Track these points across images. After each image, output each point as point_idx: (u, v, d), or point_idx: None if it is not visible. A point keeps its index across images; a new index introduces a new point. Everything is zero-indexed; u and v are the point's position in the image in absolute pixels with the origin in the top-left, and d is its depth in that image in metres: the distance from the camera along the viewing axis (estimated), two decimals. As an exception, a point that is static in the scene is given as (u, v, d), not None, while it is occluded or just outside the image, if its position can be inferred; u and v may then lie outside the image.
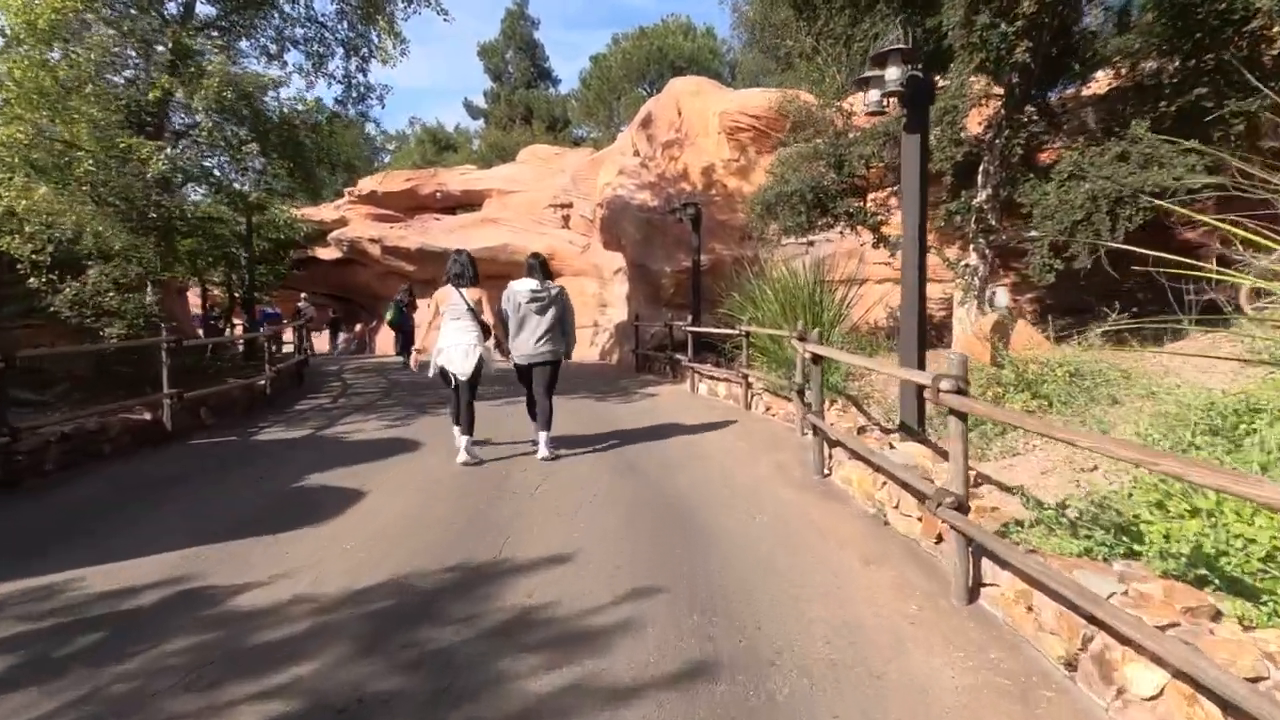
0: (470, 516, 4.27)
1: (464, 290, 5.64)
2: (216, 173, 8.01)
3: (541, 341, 5.80)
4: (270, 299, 18.76)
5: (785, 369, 8.18)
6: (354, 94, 10.58)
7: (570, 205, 18.06)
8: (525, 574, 3.38)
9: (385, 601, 3.10)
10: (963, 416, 2.95)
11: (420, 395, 9.78)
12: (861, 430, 5.37)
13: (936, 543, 3.57)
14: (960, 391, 2.92)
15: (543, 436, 5.83)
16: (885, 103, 4.89)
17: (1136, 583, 2.33)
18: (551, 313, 5.82)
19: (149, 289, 8.27)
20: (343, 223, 22.35)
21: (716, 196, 14.17)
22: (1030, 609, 2.70)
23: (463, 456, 5.59)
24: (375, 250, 21.11)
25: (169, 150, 7.27)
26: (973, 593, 3.03)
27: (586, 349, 16.53)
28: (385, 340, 18.69)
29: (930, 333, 11.11)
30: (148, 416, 6.52)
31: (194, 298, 22.66)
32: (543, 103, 32.93)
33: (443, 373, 5.72)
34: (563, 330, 5.99)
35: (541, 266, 5.97)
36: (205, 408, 7.51)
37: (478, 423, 5.95)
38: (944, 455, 4.51)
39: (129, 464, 5.76)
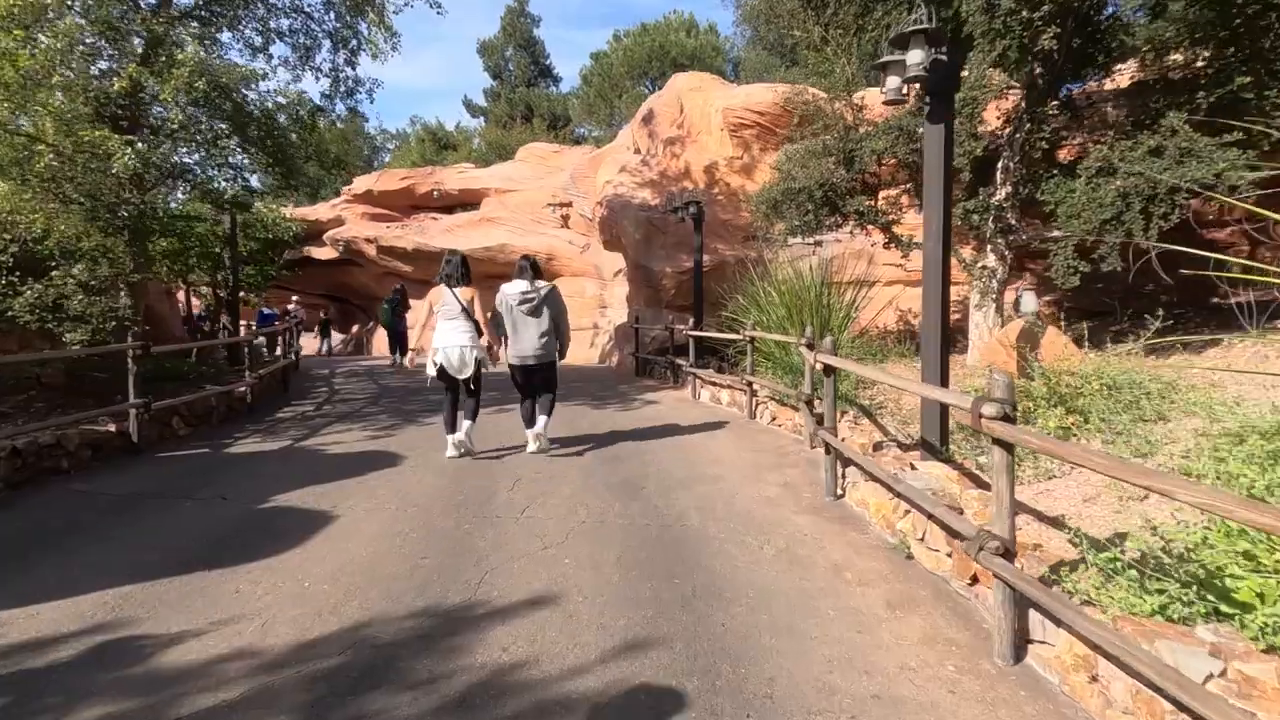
0: (447, 545, 3.85)
1: (457, 290, 5.72)
2: (196, 169, 7.57)
3: (535, 343, 5.83)
4: (262, 300, 18.38)
5: (792, 376, 7.76)
6: (342, 88, 10.17)
7: (569, 204, 17.64)
8: (501, 621, 2.96)
9: (338, 658, 2.68)
10: (1009, 448, 2.52)
11: (408, 403, 9.38)
12: (878, 447, 4.94)
13: (970, 584, 3.14)
14: (1007, 418, 2.49)
15: (531, 430, 6.01)
16: (905, 90, 4.46)
17: (1237, 661, 1.90)
18: (544, 313, 5.87)
19: (122, 291, 7.87)
20: (339, 222, 21.96)
21: (719, 195, 13.74)
22: (1095, 679, 2.28)
23: (450, 452, 5.80)
24: (371, 250, 20.72)
25: (140, 145, 6.86)
26: (1018, 650, 2.60)
27: (586, 351, 16.12)
28: (382, 341, 18.28)
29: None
30: (112, 428, 6.11)
31: (195, 299, 22.27)
32: (543, 101, 32.52)
33: (441, 372, 5.76)
34: (556, 331, 6.01)
35: (532, 268, 6.00)
36: (178, 417, 7.10)
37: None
38: (973, 479, 4.09)
39: (88, 481, 5.35)
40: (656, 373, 12.22)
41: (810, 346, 6.10)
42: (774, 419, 7.39)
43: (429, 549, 3.80)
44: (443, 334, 5.70)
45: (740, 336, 8.12)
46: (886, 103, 4.56)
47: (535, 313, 5.80)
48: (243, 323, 18.81)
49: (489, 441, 6.54)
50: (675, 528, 4.11)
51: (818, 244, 9.59)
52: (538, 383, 6.03)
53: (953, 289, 11.36)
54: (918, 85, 4.37)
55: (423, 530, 4.13)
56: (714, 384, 9.15)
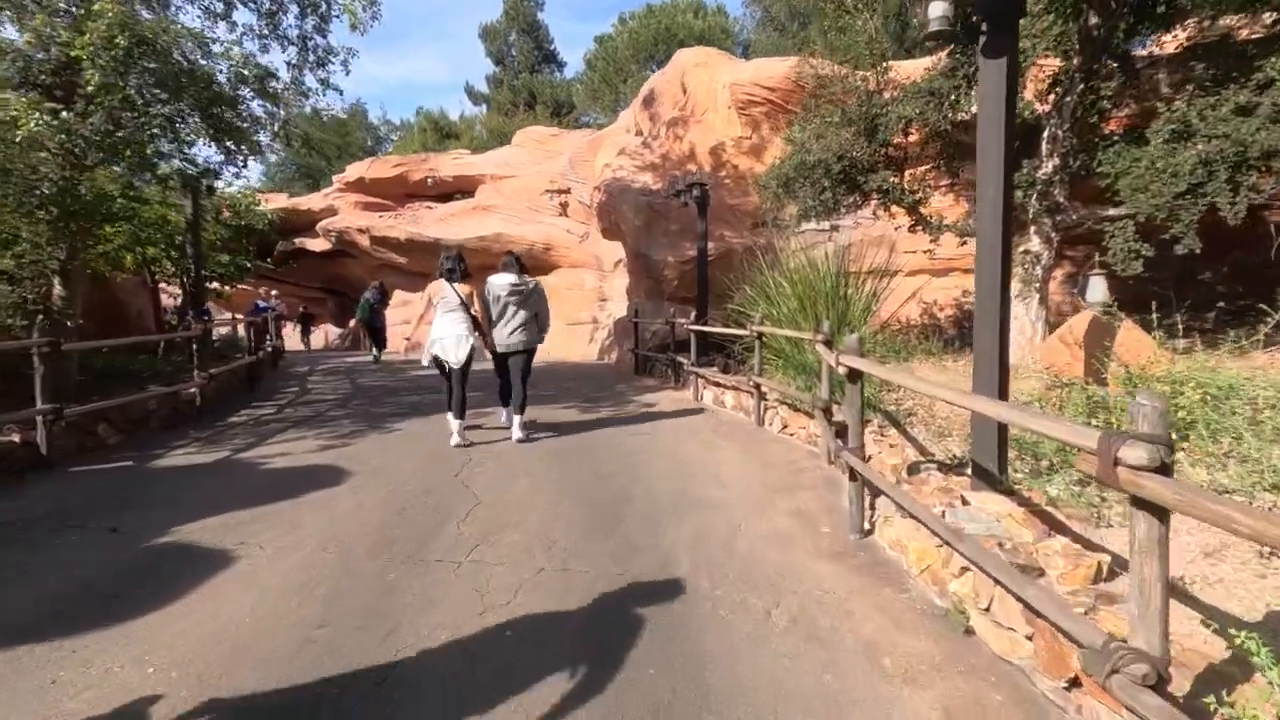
0: (359, 605, 2.96)
1: (455, 285, 6.05)
2: (131, 141, 6.66)
3: (518, 332, 6.28)
4: (265, 293, 17.51)
5: (806, 377, 6.82)
6: (311, 57, 9.27)
7: (568, 191, 16.70)
8: (395, 744, 2.06)
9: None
10: (1162, 514, 1.59)
11: (379, 404, 8.51)
12: (913, 470, 4.01)
13: (1068, 688, 2.21)
14: (1164, 469, 1.55)
15: (516, 420, 6.30)
16: (954, 21, 3.50)
17: None
18: (529, 305, 6.33)
19: (55, 281, 7.03)
20: (331, 212, 21.15)
21: (726, 179, 12.78)
22: None
23: (455, 440, 6.03)
24: (364, 241, 19.90)
25: (65, 115, 5.99)
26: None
27: (584, 347, 15.22)
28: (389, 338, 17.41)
29: (968, 331, 9.68)
30: (16, 438, 5.27)
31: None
32: (546, 87, 31.55)
33: (436, 361, 6.10)
34: (537, 322, 6.51)
35: (518, 262, 6.54)
36: (105, 423, 6.27)
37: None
38: (1045, 519, 3.14)
39: (-29, 503, 4.51)
40: (657, 371, 11.30)
41: (828, 343, 5.17)
42: (784, 426, 6.46)
43: (333, 612, 2.91)
44: (441, 326, 6.02)
45: (746, 332, 7.18)
46: (928, 37, 3.60)
47: (524, 304, 6.27)
48: (224, 315, 18.08)
49: (446, 465, 5.65)
50: (660, 582, 3.20)
51: (834, 229, 8.62)
52: (519, 367, 6.41)
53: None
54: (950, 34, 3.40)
55: (336, 580, 3.24)
56: (718, 385, 8.22)
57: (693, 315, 8.92)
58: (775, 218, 8.61)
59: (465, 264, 6.23)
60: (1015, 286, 7.03)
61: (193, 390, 7.49)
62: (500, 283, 6.21)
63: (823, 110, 7.42)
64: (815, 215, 7.73)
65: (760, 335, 6.93)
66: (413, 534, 3.83)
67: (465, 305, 6.05)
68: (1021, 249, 6.82)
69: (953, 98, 6.44)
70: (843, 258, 8.77)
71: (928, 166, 7.49)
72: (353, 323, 25.19)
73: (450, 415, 6.11)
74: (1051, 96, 6.36)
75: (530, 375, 6.55)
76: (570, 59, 67.54)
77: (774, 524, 3.96)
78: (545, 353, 15.58)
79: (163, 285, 13.62)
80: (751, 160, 12.85)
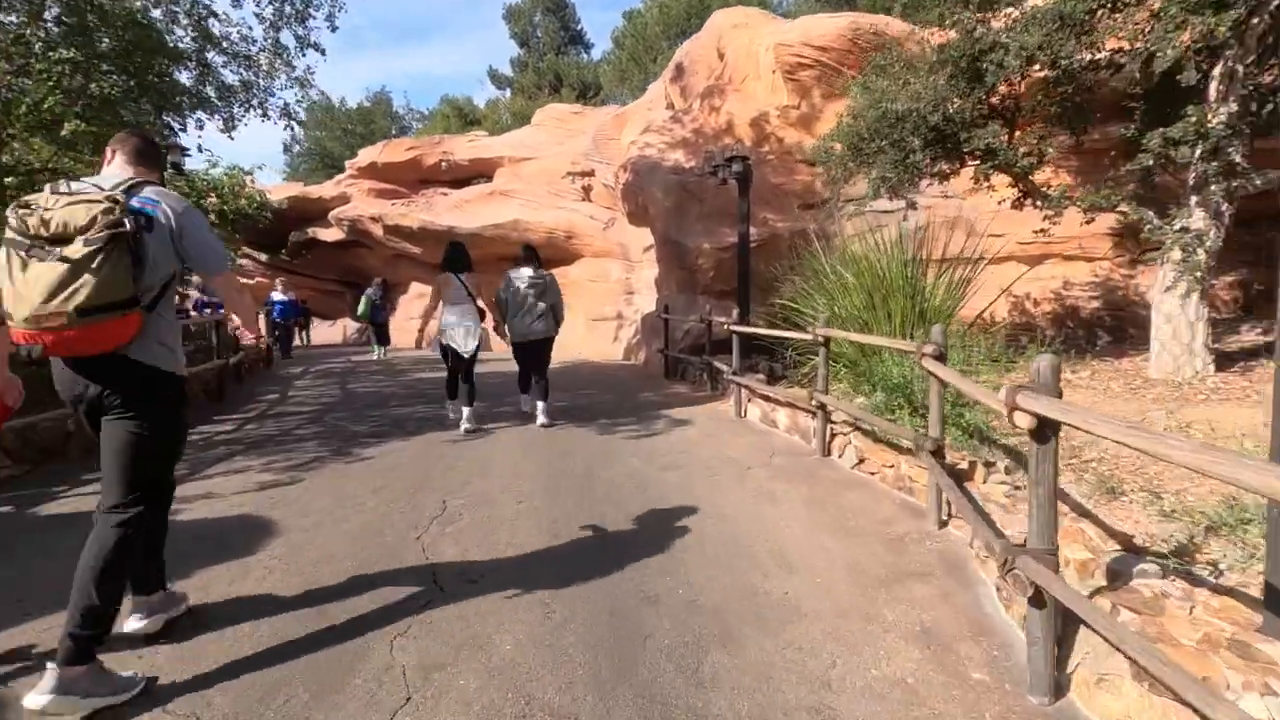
0: None
1: (461, 276, 6.26)
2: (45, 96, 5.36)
3: (538, 322, 6.49)
4: (283, 286, 16.32)
5: (887, 394, 5.26)
6: (289, 9, 7.95)
7: (591, 173, 15.22)
8: None
9: None
10: None
11: (361, 418, 7.15)
12: (1118, 575, 2.45)
13: None
14: None
15: (540, 406, 6.54)
16: None
17: None
18: (546, 297, 6.52)
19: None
20: (344, 199, 20.02)
21: (769, 154, 11.16)
22: None
23: (466, 425, 6.21)
24: (377, 230, 18.70)
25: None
26: None
27: (608, 346, 13.77)
28: (404, 332, 16.15)
29: (1080, 333, 7.92)
30: None
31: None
32: (573, 69, 30.07)
33: (444, 350, 6.33)
34: (553, 313, 6.68)
35: (535, 256, 6.81)
36: (3, 450, 5.00)
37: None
38: None
39: None
40: (690, 375, 9.80)
41: (940, 358, 3.62)
42: (860, 461, 4.91)
43: None
44: (450, 317, 6.23)
45: (809, 336, 5.63)
46: None
47: (541, 296, 6.48)
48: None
49: (425, 503, 4.23)
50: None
51: (910, 206, 6.99)
52: (538, 356, 6.65)
53: (1086, 266, 8.53)
54: None
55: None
56: (767, 399, 6.69)
57: (735, 314, 7.37)
58: (838, 191, 6.99)
59: (469, 257, 6.52)
60: (1164, 276, 5.34)
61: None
62: (520, 275, 6.49)
63: (915, 47, 5.71)
64: (889, 189, 6.12)
65: (827, 341, 5.37)
66: (314, 679, 2.40)
67: (472, 296, 6.29)
68: (1178, 225, 5.13)
69: (1091, 22, 4.76)
70: (914, 243, 7.19)
71: (1040, 124, 5.78)
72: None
73: (450, 405, 6.64)
74: (1231, 16, 4.63)
75: (549, 364, 6.80)
76: (598, 40, 66.02)
77: (890, 664, 2.44)
78: (565, 351, 14.18)
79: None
80: (800, 132, 11.21)
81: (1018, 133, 5.41)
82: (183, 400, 2.46)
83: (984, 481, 3.81)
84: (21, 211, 2.08)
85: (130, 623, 2.52)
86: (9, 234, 2.08)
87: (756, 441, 5.98)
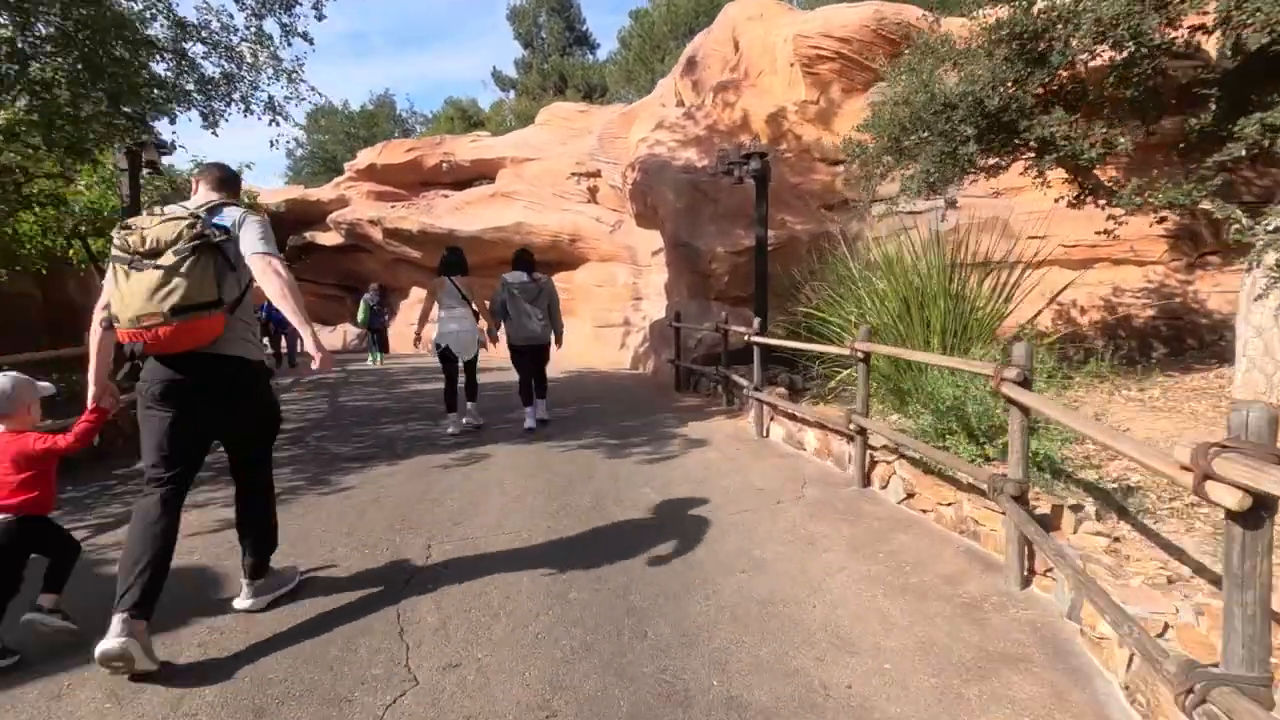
0: None
1: (455, 280, 6.34)
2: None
3: (535, 327, 6.45)
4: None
5: (937, 417, 4.61)
6: (273, -2, 7.39)
7: (597, 174, 14.62)
8: None
9: None
10: None
11: (347, 437, 6.53)
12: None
13: None
14: None
15: (540, 405, 6.71)
16: None
17: None
18: (541, 301, 6.47)
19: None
20: (343, 202, 19.50)
21: (787, 152, 10.54)
22: None
23: (466, 420, 6.50)
24: (377, 234, 18.15)
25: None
26: None
27: (615, 353, 13.15)
28: (403, 339, 15.55)
29: (1132, 343, 7.24)
30: None
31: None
32: (578, 70, 29.53)
33: (442, 355, 6.35)
34: (551, 317, 6.62)
35: (530, 260, 6.69)
36: None
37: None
38: None
39: None
40: (703, 387, 9.17)
41: (1025, 383, 2.98)
42: (909, 496, 4.27)
43: None
44: (446, 320, 6.28)
45: (845, 350, 4.98)
46: None
47: (536, 301, 6.44)
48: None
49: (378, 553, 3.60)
50: None
51: (950, 205, 6.35)
52: (535, 361, 6.63)
53: (1138, 271, 7.82)
54: None
55: None
56: (793, 418, 6.05)
57: (756, 323, 6.73)
58: (866, 195, 6.35)
59: (465, 260, 6.61)
60: (1258, 283, 4.68)
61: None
62: (514, 280, 6.46)
63: (971, 25, 5.00)
64: (930, 186, 5.49)
65: (867, 356, 4.72)
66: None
67: (467, 300, 6.34)
68: (1271, 225, 4.47)
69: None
70: (954, 246, 6.57)
71: (1105, 113, 5.12)
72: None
73: (449, 418, 6.56)
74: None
75: (547, 366, 6.87)
76: (604, 40, 65.58)
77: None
78: (570, 360, 13.56)
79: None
80: (818, 129, 10.59)
81: (1083, 121, 4.77)
82: (268, 383, 2.89)
83: (1074, 531, 3.17)
84: (124, 232, 2.46)
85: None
86: (115, 251, 2.44)
87: (783, 467, 5.34)
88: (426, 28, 79.92)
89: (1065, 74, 4.63)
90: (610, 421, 7.23)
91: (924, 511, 4.11)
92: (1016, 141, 4.79)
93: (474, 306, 6.42)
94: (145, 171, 8.10)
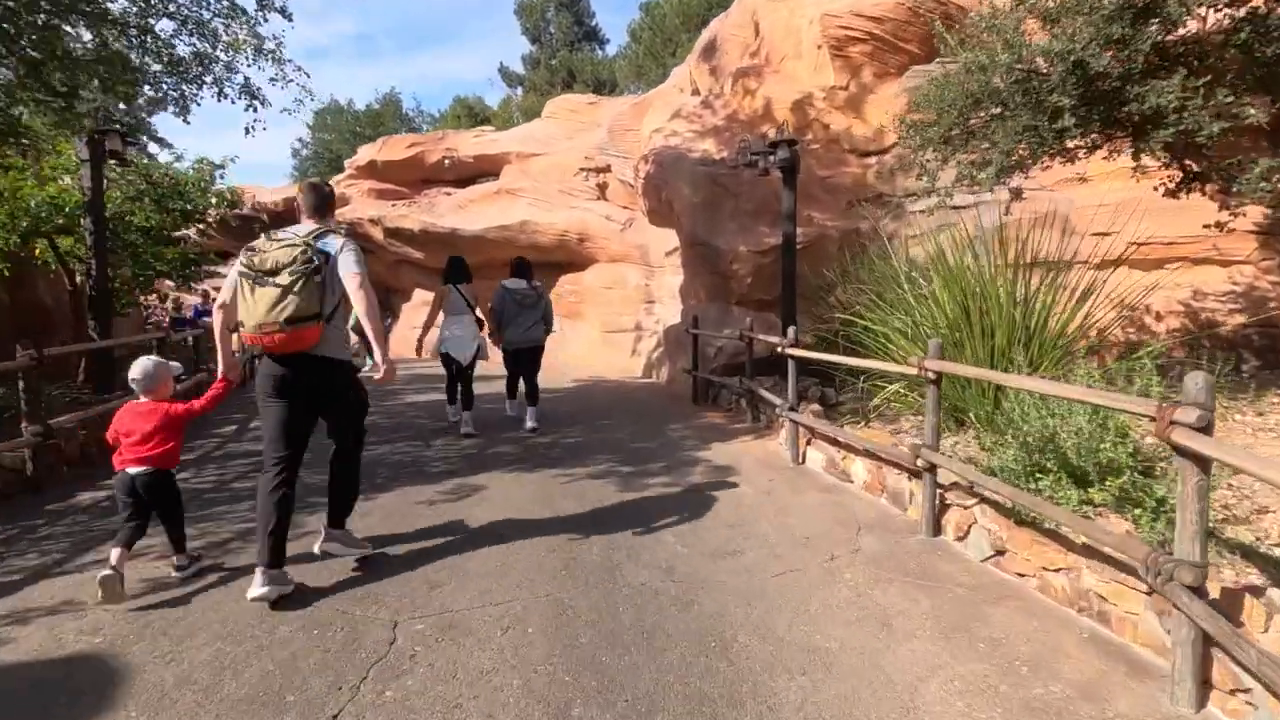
0: None
1: (460, 288, 6.68)
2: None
3: (528, 331, 6.77)
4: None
5: (1025, 450, 3.75)
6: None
7: (607, 168, 13.81)
8: None
9: None
10: None
11: (322, 466, 5.71)
12: None
13: None
14: None
15: (530, 412, 6.83)
16: None
17: None
18: (535, 308, 6.80)
19: None
20: (343, 201, 18.75)
21: (813, 143, 9.69)
22: None
23: (466, 429, 6.57)
24: (377, 234, 17.42)
25: None
26: None
27: (626, 360, 12.34)
28: (400, 342, 14.82)
29: (1218, 354, 6.34)
30: None
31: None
32: (587, 65, 28.74)
33: (445, 359, 6.67)
34: (544, 321, 6.92)
35: (528, 268, 7.02)
36: None
37: None
38: None
39: None
40: (724, 401, 8.34)
41: (1206, 428, 2.14)
42: (1000, 552, 3.42)
43: None
44: (450, 326, 6.61)
45: (909, 369, 4.13)
46: None
47: (534, 306, 6.79)
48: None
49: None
50: None
51: (1015, 196, 5.50)
52: (529, 363, 6.91)
53: (1251, 268, 6.86)
54: None
55: None
56: (835, 443, 5.20)
57: (790, 333, 5.87)
58: (925, 174, 5.48)
59: (468, 269, 6.91)
60: None
61: (21, 453, 4.85)
62: (513, 287, 6.75)
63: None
64: (1004, 172, 4.63)
65: (939, 377, 3.87)
66: None
67: (471, 307, 6.64)
68: None
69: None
70: (1010, 244, 5.76)
71: (1230, 79, 4.21)
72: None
73: (450, 408, 7.08)
74: None
75: (539, 370, 7.04)
76: (613, 36, 64.71)
77: None
78: (579, 368, 12.77)
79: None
80: (848, 117, 9.73)
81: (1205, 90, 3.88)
82: (354, 378, 3.46)
83: (1264, 628, 2.31)
84: (249, 253, 3.05)
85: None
86: (241, 267, 3.04)
87: (829, 505, 4.50)
88: (433, 29, 79.56)
89: (1182, 31, 3.77)
90: (623, 443, 6.41)
91: (1021, 576, 3.27)
92: (1118, 115, 3.92)
93: (478, 314, 6.74)
94: (111, 163, 7.39)
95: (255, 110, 7.32)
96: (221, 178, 9.87)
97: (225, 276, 3.29)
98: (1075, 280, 5.74)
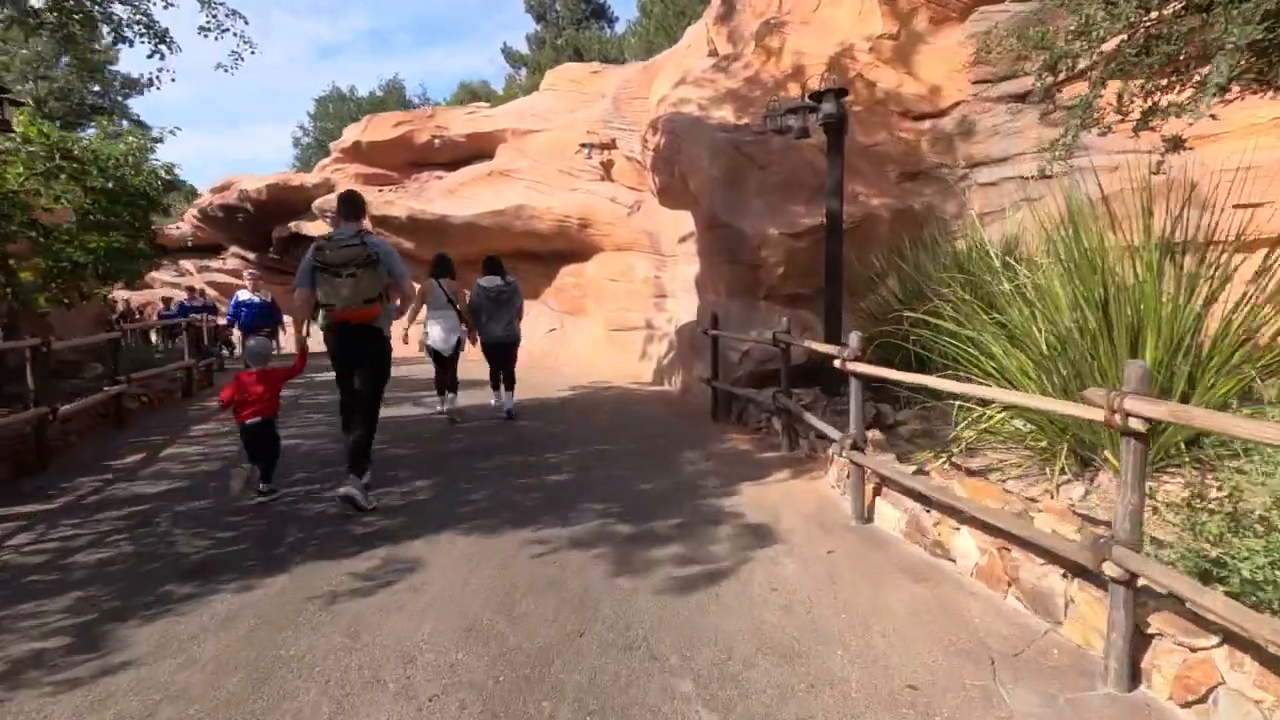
0: None
1: (443, 283, 7.00)
2: None
3: (504, 327, 7.14)
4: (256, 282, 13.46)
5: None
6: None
7: (613, 144, 12.22)
8: None
9: None
10: None
11: (215, 526, 4.20)
12: None
13: None
14: None
15: (508, 398, 7.32)
16: None
17: None
18: (510, 304, 7.16)
19: None
20: (329, 188, 17.34)
21: (855, 105, 8.03)
22: None
23: (446, 408, 7.21)
24: (365, 223, 15.93)
25: None
26: None
27: (634, 364, 10.80)
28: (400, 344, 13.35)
29: None
30: None
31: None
32: (594, 43, 27.09)
33: (430, 350, 7.10)
34: (517, 317, 7.26)
35: (500, 266, 7.32)
36: None
37: None
38: None
39: None
40: (751, 418, 6.78)
41: None
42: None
43: None
44: (433, 320, 6.97)
45: (1094, 414, 2.50)
46: None
47: (507, 303, 7.14)
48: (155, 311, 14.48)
49: None
50: None
51: (1174, 146, 3.89)
52: (504, 357, 7.30)
53: None
54: None
55: None
56: (923, 500, 3.63)
57: (853, 340, 4.24)
58: (1070, 133, 3.86)
59: (452, 265, 7.25)
60: None
61: None
62: (487, 286, 7.10)
63: None
64: (1219, 87, 3.02)
65: (1150, 429, 2.28)
66: None
67: (453, 301, 7.00)
68: None
69: None
70: (1110, 221, 4.24)
71: None
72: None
73: (437, 399, 7.51)
74: None
75: (515, 360, 7.41)
76: (622, 12, 62.70)
77: None
78: (581, 371, 11.25)
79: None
80: (898, 73, 8.11)
81: None
82: (389, 344, 4.63)
83: None
84: (319, 253, 4.26)
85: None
86: (317, 262, 4.25)
87: (930, 607, 2.96)
88: (446, 24, 78.45)
89: None
90: (624, 483, 4.89)
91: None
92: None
93: (459, 308, 7.02)
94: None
95: (162, 57, 5.82)
96: (154, 152, 8.38)
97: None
98: (1218, 266, 4.18)
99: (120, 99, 17.67)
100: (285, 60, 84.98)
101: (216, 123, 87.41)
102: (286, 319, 15.58)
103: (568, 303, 12.93)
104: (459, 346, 7.10)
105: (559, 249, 12.72)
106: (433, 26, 79.89)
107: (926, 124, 8.03)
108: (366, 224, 17.02)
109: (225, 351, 13.84)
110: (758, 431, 6.49)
